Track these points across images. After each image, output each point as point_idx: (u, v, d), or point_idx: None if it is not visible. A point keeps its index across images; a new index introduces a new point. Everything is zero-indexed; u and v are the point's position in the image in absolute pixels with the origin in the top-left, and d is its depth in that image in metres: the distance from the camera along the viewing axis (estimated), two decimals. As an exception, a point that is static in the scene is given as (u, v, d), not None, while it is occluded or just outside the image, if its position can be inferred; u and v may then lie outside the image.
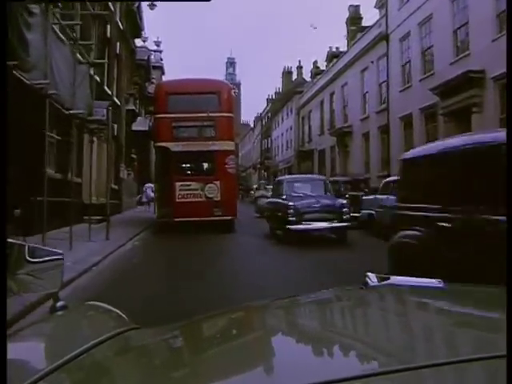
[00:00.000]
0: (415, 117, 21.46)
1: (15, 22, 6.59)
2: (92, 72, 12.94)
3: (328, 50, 40.21)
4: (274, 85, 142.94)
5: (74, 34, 10.59)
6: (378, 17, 27.22)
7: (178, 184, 15.50)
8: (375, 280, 1.51)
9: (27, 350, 1.16)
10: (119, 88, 23.15)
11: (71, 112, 10.07)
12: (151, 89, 33.33)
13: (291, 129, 48.63)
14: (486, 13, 15.74)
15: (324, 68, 41.07)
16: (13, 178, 7.04)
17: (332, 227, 12.33)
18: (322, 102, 37.61)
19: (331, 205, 12.51)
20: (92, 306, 1.60)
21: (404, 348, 0.95)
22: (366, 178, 23.00)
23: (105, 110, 12.41)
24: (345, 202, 13.05)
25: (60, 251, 1.68)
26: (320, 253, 10.59)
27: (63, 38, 9.97)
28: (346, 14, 36.64)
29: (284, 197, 13.15)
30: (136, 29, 27.98)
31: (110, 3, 18.95)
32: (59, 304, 1.45)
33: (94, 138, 16.08)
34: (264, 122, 68.41)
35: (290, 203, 12.27)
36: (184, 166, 16.39)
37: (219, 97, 16.03)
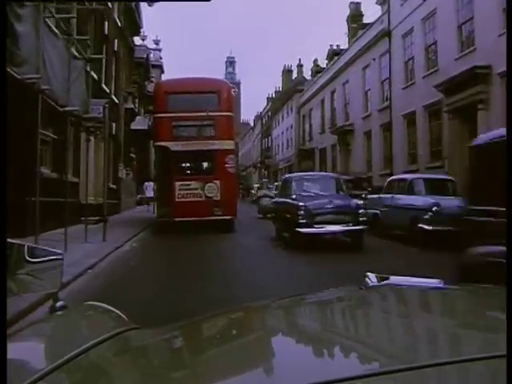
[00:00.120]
0: (418, 114, 21.12)
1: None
2: (89, 68, 12.57)
3: (329, 47, 39.90)
4: (274, 84, 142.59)
5: (69, 28, 10.21)
6: (379, 14, 26.89)
7: (177, 183, 15.38)
8: (375, 280, 1.52)
9: (27, 350, 1.15)
10: (117, 86, 22.80)
11: (66, 109, 9.69)
12: (150, 88, 33.07)
13: (292, 127, 48.31)
14: (492, 7, 15.39)
15: (324, 66, 40.74)
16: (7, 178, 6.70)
17: (347, 230, 11.14)
18: (322, 101, 37.28)
19: (346, 205, 11.30)
20: (91, 306, 1.59)
21: (404, 348, 0.95)
22: (368, 177, 22.68)
23: (101, 108, 12.00)
24: (361, 202, 11.88)
25: (59, 251, 1.68)
26: (329, 256, 9.98)
27: (57, 31, 9.60)
28: (346, 12, 36.39)
29: (293, 196, 11.94)
30: (135, 26, 27.64)
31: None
32: (59, 304, 1.44)
33: (91, 137, 15.76)
34: (264, 121, 68.11)
35: (301, 204, 11.04)
36: (184, 165, 16.27)
37: (219, 96, 15.90)
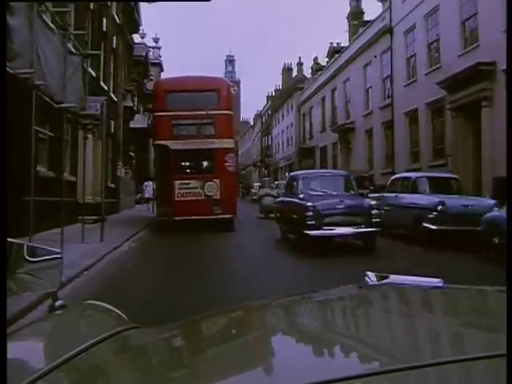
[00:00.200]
0: (421, 112, 20.87)
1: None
2: (86, 65, 12.29)
3: (329, 45, 39.61)
4: (274, 82, 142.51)
5: (65, 23, 9.94)
6: (379, 11, 26.64)
7: (177, 182, 15.30)
8: (374, 279, 1.52)
9: (26, 349, 1.16)
10: (116, 84, 22.54)
11: (62, 106, 9.42)
12: (150, 86, 32.83)
13: (292, 126, 48.08)
14: (496, 2, 15.11)
15: (324, 64, 40.50)
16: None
17: (358, 233, 10.31)
18: (323, 99, 37.05)
19: (358, 206, 10.52)
20: (91, 305, 1.59)
21: (403, 347, 0.95)
22: (370, 175, 22.44)
23: (99, 105, 11.73)
24: (374, 202, 11.00)
25: (59, 250, 1.66)
26: (335, 258, 9.55)
27: (52, 26, 9.34)
28: (346, 10, 36.20)
29: (301, 196, 11.07)
30: (133, 24, 27.35)
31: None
32: (58, 303, 1.43)
33: (89, 135, 15.50)
34: (264, 120, 67.87)
35: (309, 204, 10.19)
36: (183, 164, 16.18)
37: (218, 94, 15.82)
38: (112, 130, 20.59)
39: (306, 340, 1.09)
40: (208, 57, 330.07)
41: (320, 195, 10.99)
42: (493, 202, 10.99)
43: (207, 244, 12.14)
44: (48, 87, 8.34)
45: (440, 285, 1.51)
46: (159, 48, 45.37)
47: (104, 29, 19.29)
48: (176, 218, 14.74)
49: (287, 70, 60.62)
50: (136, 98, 31.11)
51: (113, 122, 20.47)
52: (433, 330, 1.10)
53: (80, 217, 12.37)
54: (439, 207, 10.95)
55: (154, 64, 40.41)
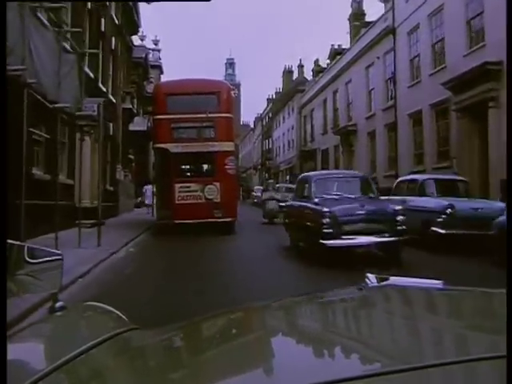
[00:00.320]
0: (425, 113, 20.52)
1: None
2: (83, 64, 11.95)
3: (330, 47, 39.34)
4: (274, 85, 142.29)
5: (60, 20, 9.58)
6: (382, 12, 26.30)
7: (177, 185, 15.24)
8: (374, 281, 1.51)
9: (27, 351, 1.16)
10: (115, 85, 22.20)
11: (56, 105, 9.04)
12: (150, 88, 32.52)
13: (293, 128, 47.74)
14: (503, 1, 14.76)
15: (325, 67, 40.19)
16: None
17: (382, 242, 9.11)
18: (324, 101, 36.71)
19: (381, 211, 9.29)
20: (91, 307, 1.60)
21: (404, 348, 0.95)
22: (373, 178, 22.08)
23: (96, 106, 11.37)
24: (399, 207, 9.51)
25: (59, 252, 1.66)
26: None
27: (47, 23, 8.98)
28: (346, 12, 35.92)
29: (316, 200, 9.74)
30: (133, 25, 27.02)
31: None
32: (58, 304, 1.42)
33: (87, 137, 15.15)
34: (264, 123, 67.57)
35: (325, 209, 8.94)
36: (183, 167, 16.17)
37: (218, 97, 15.78)
38: (111, 133, 20.25)
39: (306, 341, 1.09)
40: (208, 59, 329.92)
41: (336, 199, 9.81)
42: (503, 204, 10.61)
43: (208, 248, 11.79)
44: (41, 86, 7.98)
45: (440, 286, 1.52)
46: (159, 50, 45.16)
47: (102, 29, 18.96)
48: (176, 222, 14.69)
49: (288, 72, 60.34)
50: (135, 101, 30.79)
51: (111, 124, 20.12)
52: (433, 332, 1.10)
53: (77, 221, 12.04)
54: (448, 210, 10.58)
55: (153, 66, 40.12)
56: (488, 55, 15.48)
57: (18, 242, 1.61)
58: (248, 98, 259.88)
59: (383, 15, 25.55)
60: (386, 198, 13.70)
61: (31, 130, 10.68)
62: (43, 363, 1.03)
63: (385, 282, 1.51)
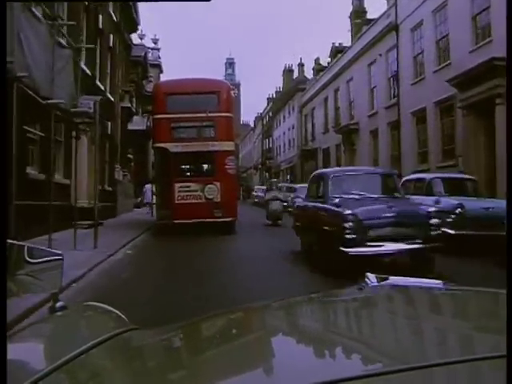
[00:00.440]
0: (429, 111, 20.14)
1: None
2: (79, 60, 11.55)
3: (331, 45, 38.98)
4: (275, 85, 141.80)
5: (52, 13, 9.18)
6: (383, 9, 25.93)
7: (177, 185, 15.18)
8: (374, 280, 1.51)
9: (27, 351, 1.16)
10: (113, 84, 21.81)
11: (49, 102, 8.65)
12: (149, 87, 32.17)
13: (293, 127, 47.37)
14: (511, -5, 14.41)
15: (326, 65, 39.82)
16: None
17: (413, 250, 7.81)
18: (326, 99, 36.35)
19: (412, 214, 8.10)
20: (91, 307, 1.60)
21: (404, 348, 0.95)
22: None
23: (92, 103, 10.97)
24: (432, 208, 8.31)
25: (59, 251, 1.65)
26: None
27: (39, 15, 8.58)
28: (347, 11, 35.66)
29: (335, 201, 8.41)
30: (131, 23, 26.64)
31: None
32: (58, 304, 1.42)
33: (85, 136, 14.79)
34: (265, 122, 67.20)
35: (347, 211, 7.70)
36: (183, 167, 16.10)
37: (218, 97, 15.70)
38: (109, 132, 19.87)
39: (306, 341, 1.08)
40: (208, 58, 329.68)
41: (357, 199, 8.55)
42: (514, 204, 10.23)
43: (208, 249, 11.46)
44: (33, 80, 7.59)
45: (439, 286, 1.53)
46: (158, 49, 44.78)
47: (100, 26, 18.58)
48: (176, 222, 14.64)
49: (288, 71, 59.91)
50: (134, 100, 30.42)
51: (110, 123, 19.74)
52: (433, 331, 1.10)
53: (73, 222, 11.67)
54: (457, 210, 10.19)
55: (153, 65, 39.77)
56: (495, 51, 15.08)
57: (18, 242, 1.58)
58: (248, 98, 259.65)
59: (386, 12, 25.17)
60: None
61: (25, 127, 10.34)
62: (43, 363, 1.03)
63: (385, 282, 1.51)
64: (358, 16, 33.64)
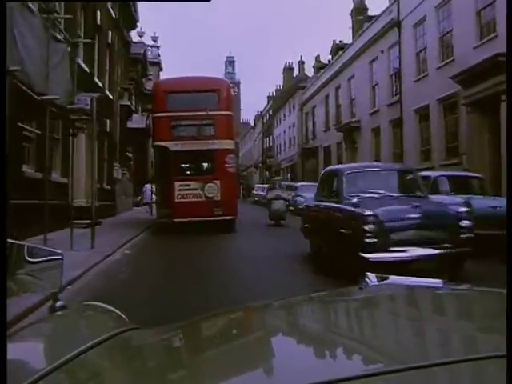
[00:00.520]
0: (432, 108, 19.87)
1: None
2: (75, 55, 11.28)
3: (332, 42, 38.73)
4: (275, 83, 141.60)
5: (47, 6, 8.90)
6: (385, 5, 25.63)
7: (177, 184, 15.16)
8: (375, 280, 1.52)
9: (27, 350, 1.16)
10: (112, 81, 21.52)
11: (44, 97, 8.37)
12: (149, 85, 31.88)
13: (294, 126, 47.08)
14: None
15: (327, 63, 39.53)
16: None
17: (441, 255, 6.89)
18: (326, 97, 36.07)
19: (440, 214, 7.32)
20: (91, 306, 1.60)
21: (403, 348, 0.95)
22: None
23: (89, 99, 10.70)
24: (463, 209, 7.62)
25: (59, 251, 1.63)
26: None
27: (32, 7, 8.30)
28: (347, 8, 35.33)
29: (353, 201, 7.55)
30: (130, 19, 26.35)
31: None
32: (58, 304, 1.42)
33: (83, 134, 14.53)
34: (265, 120, 66.92)
35: (368, 212, 6.89)
36: (183, 165, 16.04)
37: (218, 95, 15.67)
38: (108, 129, 19.61)
39: (306, 341, 1.07)
40: (208, 57, 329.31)
41: (376, 198, 7.71)
42: (522, 202, 9.95)
43: (209, 249, 11.21)
44: (27, 75, 7.31)
45: (439, 285, 1.54)
46: (158, 47, 44.45)
47: (98, 22, 18.30)
48: (176, 220, 14.61)
49: (288, 69, 59.58)
50: (134, 98, 30.15)
51: (108, 121, 19.48)
52: (433, 331, 1.09)
53: (74, 221, 11.42)
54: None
55: (152, 63, 39.42)
56: (500, 47, 14.80)
57: (17, 242, 1.56)
58: (248, 97, 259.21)
59: (388, 8, 24.88)
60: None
61: (20, 125, 10.09)
62: (43, 362, 1.03)
63: (385, 281, 1.51)
64: (360, 13, 33.35)
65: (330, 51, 38.86)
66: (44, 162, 11.21)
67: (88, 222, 12.12)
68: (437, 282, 1.53)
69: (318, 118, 38.51)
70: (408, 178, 9.02)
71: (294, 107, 47.42)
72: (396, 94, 23.72)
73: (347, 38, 35.00)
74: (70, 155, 11.11)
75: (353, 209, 7.34)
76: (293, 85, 49.64)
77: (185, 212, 14.48)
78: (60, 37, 10.89)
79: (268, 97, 70.89)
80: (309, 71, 49.53)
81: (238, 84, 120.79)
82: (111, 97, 21.09)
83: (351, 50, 30.46)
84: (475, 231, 9.62)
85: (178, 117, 15.11)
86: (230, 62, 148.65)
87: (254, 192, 40.96)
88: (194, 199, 15.04)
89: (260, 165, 67.16)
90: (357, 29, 32.19)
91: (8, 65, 6.66)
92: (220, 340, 1.20)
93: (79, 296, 6.49)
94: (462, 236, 7.15)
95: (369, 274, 1.56)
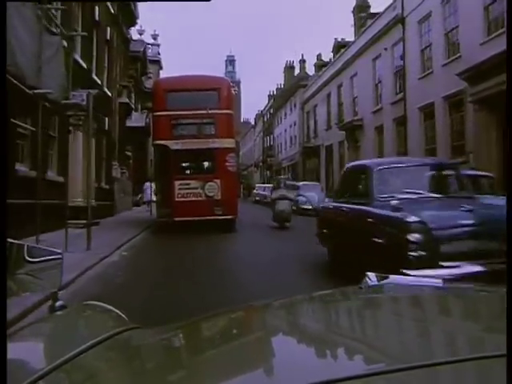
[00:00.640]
0: (437, 106, 19.46)
1: None
2: (74, 52, 10.88)
3: (334, 40, 38.32)
4: (275, 82, 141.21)
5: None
6: (387, 3, 25.22)
7: (177, 183, 15.10)
8: (374, 279, 1.52)
9: (27, 350, 1.16)
10: (110, 78, 21.14)
11: (36, 91, 7.98)
12: (148, 83, 31.53)
13: (295, 124, 46.70)
14: (526, -17, 13.75)
15: (328, 61, 39.13)
16: None
17: (500, 272, 4.81)
18: (328, 95, 35.67)
19: (496, 220, 5.15)
20: (91, 306, 1.60)
21: (404, 347, 0.95)
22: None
23: (85, 95, 10.32)
24: None
25: (59, 250, 1.64)
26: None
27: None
28: (348, 6, 35.07)
29: (393, 203, 6.02)
30: (129, 16, 25.95)
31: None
32: (58, 304, 1.42)
33: (80, 131, 14.15)
34: (266, 119, 66.54)
35: (412, 218, 5.59)
36: (183, 164, 15.99)
37: (219, 93, 15.65)
38: (106, 128, 19.22)
39: (306, 340, 1.07)
40: (208, 56, 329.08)
41: (415, 200, 6.36)
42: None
43: (209, 249, 10.92)
44: (16, 66, 6.92)
45: (440, 285, 1.53)
46: (158, 45, 44.06)
47: (96, 18, 17.91)
48: (176, 219, 14.59)
49: (289, 68, 59.19)
50: (133, 96, 29.76)
51: (107, 119, 19.09)
52: (433, 330, 1.08)
53: (71, 221, 11.08)
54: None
55: (152, 61, 39.06)
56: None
57: (17, 241, 1.54)
58: (248, 96, 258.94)
59: (391, 4, 24.46)
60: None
61: (14, 121, 9.71)
62: (43, 362, 1.02)
63: (385, 281, 1.51)
64: (362, 10, 33.01)
65: (331, 49, 38.47)
66: (39, 161, 10.84)
67: (84, 222, 11.74)
68: (436, 281, 1.54)
69: (320, 117, 38.12)
70: (450, 174, 7.55)
71: (295, 106, 47.05)
72: (400, 92, 23.32)
73: (349, 36, 34.70)
74: (69, 154, 10.70)
75: (391, 213, 5.93)
76: (294, 83, 49.27)
77: (185, 211, 14.41)
78: (55, 30, 10.54)
79: (269, 95, 70.57)
80: (310, 70, 49.22)
81: (238, 83, 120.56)
82: (110, 94, 20.72)
83: (354, 47, 30.05)
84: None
85: (178, 115, 15.04)
86: (231, 61, 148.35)
87: (255, 191, 40.61)
88: (194, 198, 14.96)
89: (261, 164, 66.86)
90: (359, 26, 31.82)
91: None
92: (220, 340, 1.19)
93: (72, 301, 6.09)
94: None
95: (368, 273, 1.55)
